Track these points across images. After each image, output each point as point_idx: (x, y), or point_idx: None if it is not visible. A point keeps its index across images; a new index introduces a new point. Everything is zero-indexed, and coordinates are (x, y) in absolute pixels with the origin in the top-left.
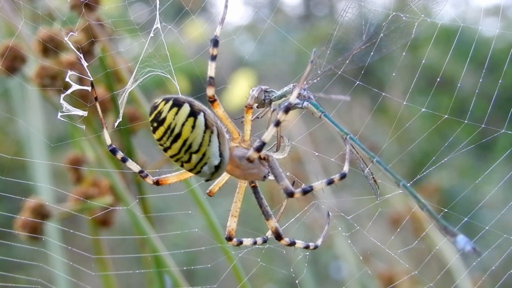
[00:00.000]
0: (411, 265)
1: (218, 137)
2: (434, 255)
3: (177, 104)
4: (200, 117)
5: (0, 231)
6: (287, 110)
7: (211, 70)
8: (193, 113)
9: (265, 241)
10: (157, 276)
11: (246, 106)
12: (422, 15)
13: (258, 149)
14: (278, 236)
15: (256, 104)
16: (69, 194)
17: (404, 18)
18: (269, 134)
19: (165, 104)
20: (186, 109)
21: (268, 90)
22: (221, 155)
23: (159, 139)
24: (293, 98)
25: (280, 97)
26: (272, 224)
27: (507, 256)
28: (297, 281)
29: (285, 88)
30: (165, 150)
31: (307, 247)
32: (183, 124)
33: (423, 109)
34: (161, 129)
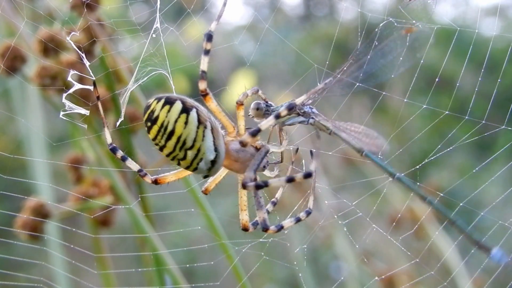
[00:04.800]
0: (411, 264)
1: (212, 132)
2: (434, 255)
3: (169, 102)
4: (193, 113)
5: (1, 230)
6: (290, 107)
7: (203, 64)
8: (186, 110)
9: (274, 204)
10: (157, 275)
11: (237, 103)
12: (414, 21)
13: (253, 134)
14: (265, 227)
15: (256, 118)
16: (69, 194)
17: (396, 24)
18: (266, 123)
19: (157, 103)
20: (178, 106)
21: (268, 103)
22: (216, 149)
23: (154, 138)
24: (299, 101)
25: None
26: (261, 215)
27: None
28: (299, 276)
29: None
30: (161, 149)
31: (298, 221)
32: (175, 121)
33: (424, 106)
34: (155, 128)
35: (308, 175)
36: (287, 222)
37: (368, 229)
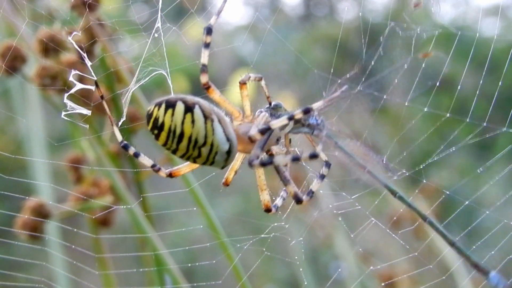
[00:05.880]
0: (411, 265)
1: (220, 123)
2: (434, 255)
3: (170, 105)
4: (197, 110)
5: (1, 230)
6: (306, 111)
7: (204, 57)
8: (189, 108)
9: (283, 199)
10: (158, 275)
11: (240, 82)
12: (418, 28)
13: (262, 132)
14: (298, 199)
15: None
16: (69, 194)
17: (400, 33)
18: (279, 122)
19: (158, 109)
20: (180, 107)
21: (278, 105)
22: (228, 139)
23: (164, 144)
24: (316, 106)
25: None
26: (291, 189)
27: (507, 255)
28: (299, 275)
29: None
30: (174, 152)
31: (323, 177)
32: (182, 123)
33: (426, 109)
34: (163, 134)
35: (313, 156)
36: (315, 185)
37: (369, 230)
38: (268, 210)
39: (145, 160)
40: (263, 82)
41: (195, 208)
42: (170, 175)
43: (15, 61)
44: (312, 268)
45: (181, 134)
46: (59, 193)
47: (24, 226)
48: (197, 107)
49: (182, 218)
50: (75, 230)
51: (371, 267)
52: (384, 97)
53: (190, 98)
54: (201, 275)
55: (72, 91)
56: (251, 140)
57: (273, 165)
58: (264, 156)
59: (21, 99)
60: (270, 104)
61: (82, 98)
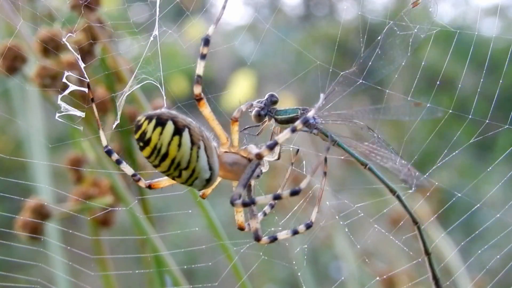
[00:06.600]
0: (412, 265)
1: (206, 151)
2: (435, 256)
3: (161, 122)
4: (185, 134)
5: (0, 231)
6: (305, 122)
7: (199, 68)
8: (178, 131)
9: (272, 206)
10: (158, 276)
11: (231, 119)
12: (415, 28)
13: (270, 147)
14: (256, 237)
15: (255, 120)
16: (69, 194)
17: (398, 32)
18: (284, 136)
19: (148, 123)
20: (170, 127)
21: (274, 98)
22: (210, 168)
23: (148, 157)
24: (311, 114)
25: (287, 120)
26: (254, 224)
27: (507, 256)
28: (298, 274)
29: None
30: (155, 167)
31: (295, 233)
32: (169, 144)
33: (429, 104)
34: (148, 149)
35: (295, 193)
36: (283, 234)
37: (369, 230)
38: (241, 228)
39: (126, 169)
40: (254, 103)
41: (190, 211)
42: (149, 187)
43: (15, 61)
44: (312, 269)
45: (166, 154)
46: (59, 193)
47: (24, 227)
48: (186, 130)
49: (182, 219)
50: (75, 232)
51: (377, 278)
52: (387, 91)
53: (182, 119)
54: (201, 274)
55: (65, 93)
56: (259, 157)
57: (256, 204)
58: (246, 194)
59: (21, 99)
60: (264, 106)
61: (81, 98)
